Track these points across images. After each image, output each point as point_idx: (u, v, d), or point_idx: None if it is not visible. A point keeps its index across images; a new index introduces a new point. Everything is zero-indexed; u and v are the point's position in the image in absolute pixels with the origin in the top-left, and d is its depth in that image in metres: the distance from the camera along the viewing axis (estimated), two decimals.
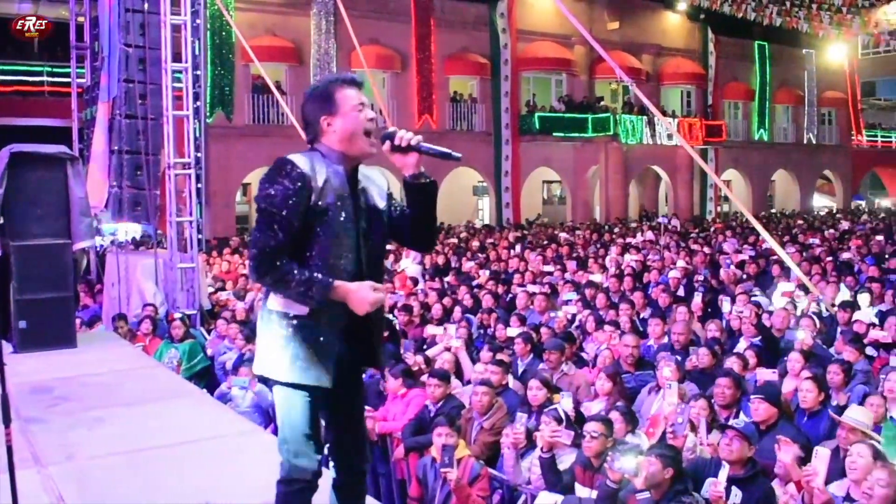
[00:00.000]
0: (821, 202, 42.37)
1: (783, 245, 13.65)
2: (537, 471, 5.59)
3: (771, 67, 38.25)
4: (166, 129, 11.99)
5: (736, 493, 4.76)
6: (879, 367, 7.18)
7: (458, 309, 10.66)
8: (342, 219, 3.07)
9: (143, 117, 11.99)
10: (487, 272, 14.45)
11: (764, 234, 9.27)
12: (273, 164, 3.04)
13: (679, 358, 7.40)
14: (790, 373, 6.91)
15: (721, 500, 4.70)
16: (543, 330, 9.05)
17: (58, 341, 7.88)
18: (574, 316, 10.24)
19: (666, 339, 8.55)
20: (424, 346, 9.13)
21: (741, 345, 8.15)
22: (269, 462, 3.27)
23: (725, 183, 30.73)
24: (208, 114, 21.53)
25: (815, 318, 8.89)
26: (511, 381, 7.27)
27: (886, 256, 14.50)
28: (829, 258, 14.25)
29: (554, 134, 30.20)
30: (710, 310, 10.42)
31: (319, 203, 3.02)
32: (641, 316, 10.05)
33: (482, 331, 10.05)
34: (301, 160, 3.04)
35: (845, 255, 14.93)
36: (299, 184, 2.99)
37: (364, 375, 3.57)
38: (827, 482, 4.52)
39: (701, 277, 12.61)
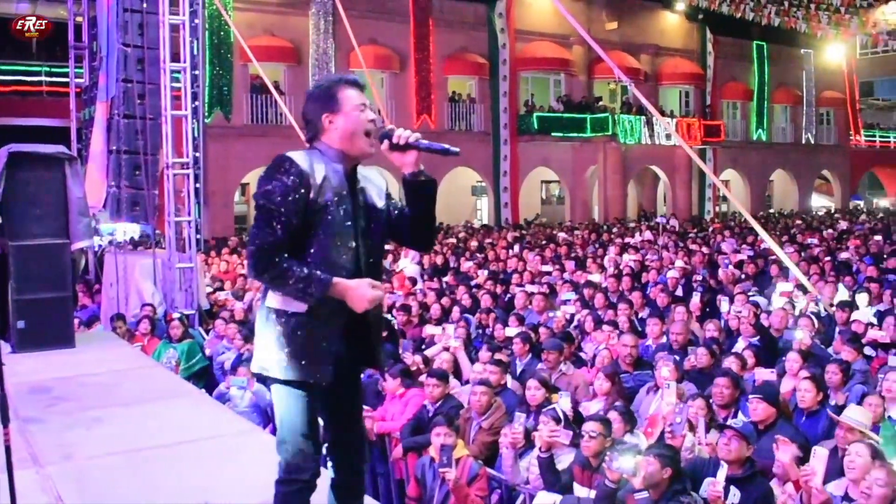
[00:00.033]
0: (819, 202, 42.39)
1: (781, 245, 13.65)
2: (536, 470, 5.59)
3: (769, 67, 38.30)
4: (165, 129, 11.99)
5: (734, 493, 4.76)
6: (878, 367, 7.19)
7: (456, 309, 10.66)
8: (341, 217, 3.08)
9: (142, 117, 11.99)
10: (486, 272, 14.46)
11: (762, 233, 9.27)
12: (272, 162, 3.05)
13: (677, 358, 7.40)
14: (788, 372, 6.92)
15: (719, 499, 4.70)
16: (542, 330, 9.05)
17: (56, 341, 7.88)
18: (572, 316, 10.24)
19: (664, 339, 8.55)
20: (423, 346, 9.14)
21: (739, 344, 8.16)
22: (267, 462, 3.27)
23: (724, 183, 30.79)
24: (207, 114, 21.55)
25: (813, 317, 8.90)
26: (509, 381, 7.27)
27: (885, 256, 14.50)
28: (828, 258, 14.26)
29: (552, 134, 30.21)
30: (708, 310, 10.42)
31: (318, 200, 3.02)
32: (640, 316, 10.05)
33: (481, 331, 10.05)
34: (300, 157, 3.04)
35: (843, 255, 14.94)
36: (298, 180, 2.99)
37: (362, 375, 3.57)
38: (825, 482, 4.53)
39: (699, 277, 12.62)
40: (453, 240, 21.39)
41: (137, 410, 5.98)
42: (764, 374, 6.85)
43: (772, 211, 36.98)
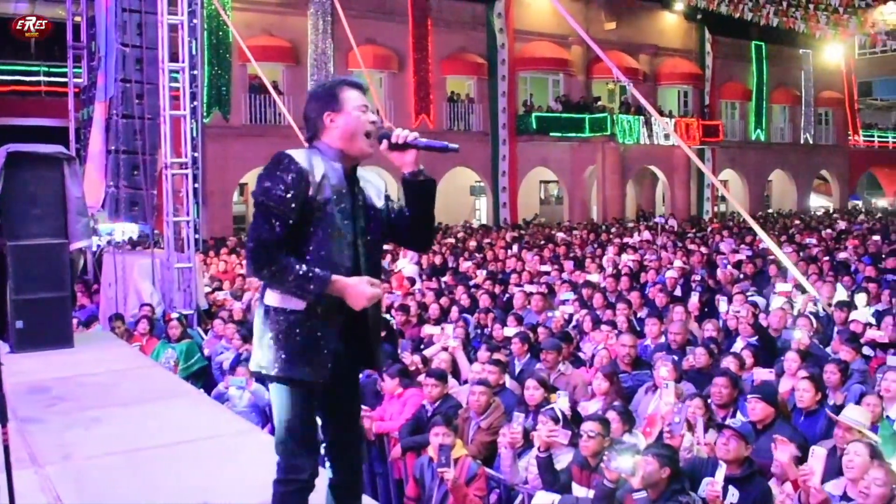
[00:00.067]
0: (817, 202, 42.43)
1: (780, 245, 13.65)
2: (534, 470, 5.59)
3: (768, 67, 38.32)
4: (163, 129, 11.98)
5: (733, 493, 4.76)
6: (876, 367, 7.20)
7: (455, 309, 10.67)
8: (340, 215, 3.08)
9: (140, 117, 11.99)
10: (484, 272, 14.46)
11: (761, 233, 9.29)
12: (271, 159, 3.06)
13: (676, 357, 7.40)
14: (787, 372, 6.92)
15: (718, 499, 4.70)
16: (540, 330, 9.05)
17: (55, 341, 7.88)
18: (571, 316, 10.24)
19: (663, 339, 8.54)
20: (421, 346, 9.13)
21: (738, 344, 8.16)
22: (266, 462, 3.27)
23: (722, 183, 30.83)
24: (205, 113, 21.57)
25: (811, 317, 8.90)
26: (508, 381, 7.27)
27: (883, 256, 14.51)
28: (826, 258, 14.27)
29: (551, 134, 30.21)
30: (706, 309, 10.42)
31: (317, 198, 3.03)
32: (638, 316, 10.05)
33: (479, 331, 10.05)
34: (299, 155, 3.05)
35: (842, 255, 14.94)
36: (297, 178, 2.99)
37: (361, 375, 3.57)
38: (823, 481, 4.53)
39: (698, 277, 12.62)
40: (452, 240, 21.38)
41: (136, 410, 5.98)
42: (762, 374, 6.86)
43: (770, 211, 36.98)
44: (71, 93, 17.37)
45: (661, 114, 31.12)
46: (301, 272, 2.96)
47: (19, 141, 8.26)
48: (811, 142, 40.43)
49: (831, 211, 36.77)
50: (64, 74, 18.63)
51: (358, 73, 21.92)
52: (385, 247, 3.41)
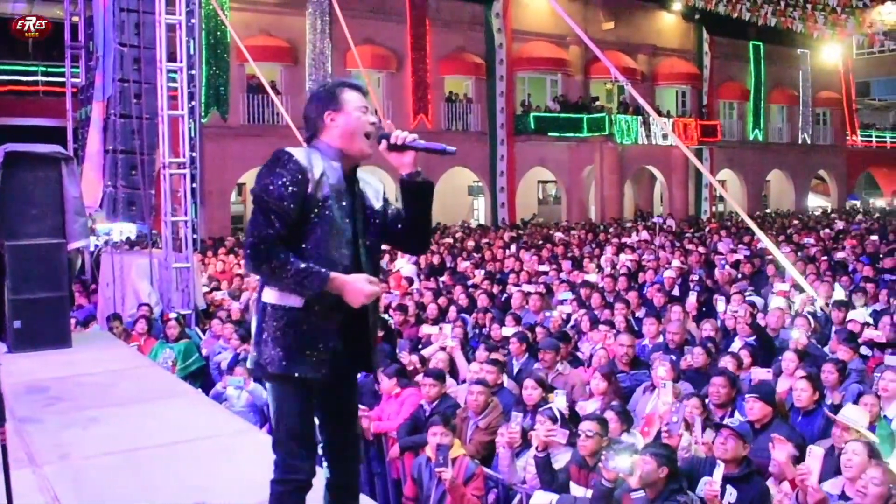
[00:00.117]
0: (815, 202, 42.46)
1: (778, 245, 13.66)
2: (532, 470, 5.60)
3: (766, 67, 38.35)
4: (161, 129, 11.96)
5: (731, 492, 4.77)
6: (874, 367, 7.20)
7: (453, 308, 10.67)
8: (338, 213, 3.09)
9: (138, 117, 11.98)
10: (483, 272, 14.47)
11: (759, 233, 9.29)
12: (271, 156, 3.06)
13: (674, 357, 7.42)
14: (785, 372, 6.92)
15: (716, 498, 4.71)
16: (539, 329, 9.06)
17: (53, 341, 7.87)
18: (569, 315, 10.24)
19: (661, 339, 8.55)
20: (419, 346, 9.13)
21: (736, 344, 8.16)
22: (264, 461, 3.27)
23: (720, 183, 30.85)
24: (203, 113, 21.57)
25: (809, 317, 8.91)
26: (506, 381, 7.27)
27: (881, 256, 14.53)
28: (824, 258, 14.28)
29: (549, 134, 30.21)
30: (704, 309, 10.43)
31: (316, 195, 3.03)
32: (636, 315, 10.06)
33: (477, 330, 10.04)
34: (299, 153, 3.06)
35: (840, 255, 14.96)
36: (296, 175, 3.00)
37: (359, 375, 3.57)
38: (821, 480, 4.54)
39: (696, 277, 12.63)
40: (450, 239, 21.39)
41: (134, 410, 5.98)
42: (760, 374, 6.86)
43: (768, 211, 37.02)
44: (69, 92, 17.35)
45: (660, 114, 31.14)
46: (299, 269, 2.96)
47: (17, 141, 8.27)
48: (809, 142, 40.45)
49: (829, 211, 36.79)
50: (62, 74, 18.61)
51: (356, 73, 21.94)
52: (383, 247, 3.41)
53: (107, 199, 12.47)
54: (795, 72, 39.90)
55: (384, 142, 3.16)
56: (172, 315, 10.09)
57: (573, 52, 31.75)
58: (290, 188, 2.98)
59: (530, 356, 8.04)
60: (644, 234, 20.94)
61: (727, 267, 13.53)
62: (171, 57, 12.17)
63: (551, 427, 5.52)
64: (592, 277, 12.91)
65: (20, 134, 15.03)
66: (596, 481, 5.00)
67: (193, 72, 13.56)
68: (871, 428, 5.28)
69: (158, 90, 11.94)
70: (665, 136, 30.46)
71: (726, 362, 6.94)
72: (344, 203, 3.11)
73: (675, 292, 11.66)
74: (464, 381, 7.52)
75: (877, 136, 45.71)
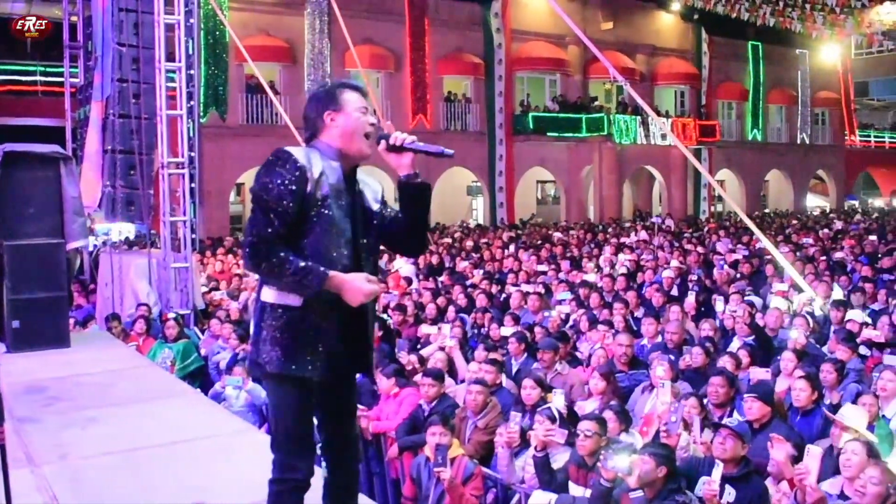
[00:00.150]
0: (814, 202, 42.49)
1: (777, 245, 13.67)
2: (531, 470, 5.60)
3: (764, 67, 38.36)
4: (160, 129, 11.96)
5: (729, 492, 4.77)
6: (872, 366, 7.20)
7: (452, 308, 10.67)
8: (338, 212, 3.09)
9: (137, 117, 11.98)
10: (481, 272, 14.47)
11: (758, 233, 9.30)
12: (270, 155, 3.06)
13: (672, 357, 7.42)
14: (783, 372, 6.93)
15: (714, 498, 4.71)
16: (537, 329, 9.06)
17: (51, 341, 7.86)
18: (568, 315, 10.24)
19: (659, 339, 8.55)
20: (418, 346, 9.14)
21: (734, 344, 8.16)
22: (262, 461, 3.27)
23: (719, 183, 30.86)
24: (202, 113, 21.54)
25: (808, 317, 8.91)
26: (505, 381, 7.28)
27: (879, 256, 14.54)
28: (823, 258, 14.28)
29: (548, 134, 30.20)
30: (703, 309, 10.44)
31: (315, 194, 3.03)
32: (635, 315, 10.07)
33: (476, 330, 10.04)
34: (298, 152, 3.06)
35: (838, 255, 14.97)
36: (296, 173, 3.00)
37: (358, 374, 3.57)
38: (820, 480, 4.54)
39: (694, 277, 12.63)
40: (448, 239, 21.39)
41: (133, 410, 5.98)
42: (759, 374, 6.87)
43: (767, 211, 37.04)
44: (67, 92, 17.37)
45: (658, 114, 31.14)
46: (299, 267, 2.96)
47: (16, 140, 8.27)
48: (808, 142, 40.45)
49: (828, 211, 36.80)
50: (60, 74, 18.63)
51: (355, 73, 21.94)
52: (381, 246, 3.41)
53: (105, 198, 12.47)
54: (794, 72, 39.91)
55: (383, 143, 3.17)
56: (171, 315, 10.09)
57: (572, 52, 31.74)
58: (290, 187, 2.98)
59: (529, 356, 8.05)
60: (643, 234, 20.95)
61: (726, 267, 13.54)
62: (170, 57, 12.17)
63: (550, 427, 5.53)
64: (591, 277, 12.92)
65: (19, 134, 15.06)
66: (595, 481, 5.00)
67: (192, 72, 13.53)
68: (870, 427, 5.29)
69: (157, 90, 11.95)
70: (664, 136, 30.47)
71: (725, 362, 6.94)
72: (343, 202, 3.12)
73: (674, 292, 11.66)
74: (462, 381, 7.53)
75: (875, 136, 45.76)
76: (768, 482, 5.00)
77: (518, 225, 28.11)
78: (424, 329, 9.56)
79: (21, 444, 5.00)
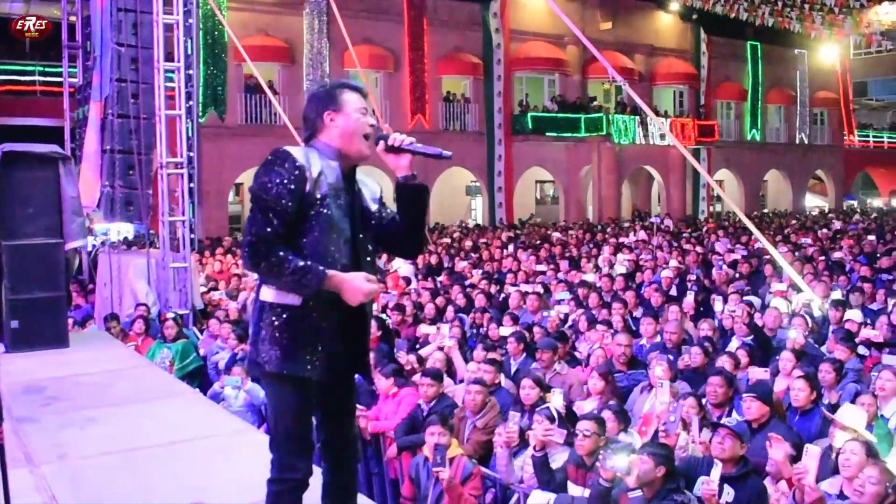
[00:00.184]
0: (813, 202, 42.49)
1: (775, 245, 13.68)
2: (530, 469, 5.60)
3: (763, 67, 38.38)
4: (158, 129, 11.94)
5: (728, 492, 4.77)
6: (871, 366, 7.21)
7: (450, 308, 10.67)
8: (337, 211, 3.09)
9: (136, 117, 11.97)
10: (480, 272, 14.47)
11: (757, 233, 9.30)
12: (269, 155, 3.06)
13: (671, 357, 7.42)
14: (782, 371, 6.93)
15: (713, 498, 4.71)
16: (536, 329, 9.06)
17: (50, 341, 7.86)
18: (567, 315, 10.25)
19: (658, 339, 8.56)
20: (417, 346, 9.14)
21: (733, 344, 8.17)
22: (261, 461, 3.27)
23: (718, 183, 30.85)
24: (201, 113, 21.49)
25: (806, 317, 8.92)
26: (504, 381, 7.28)
27: (878, 256, 14.55)
28: (822, 258, 14.29)
29: (547, 134, 30.22)
30: (702, 309, 10.45)
31: (314, 193, 3.04)
32: (634, 315, 10.07)
33: (475, 330, 10.05)
34: (297, 151, 3.07)
35: (837, 255, 14.98)
36: (295, 173, 3.00)
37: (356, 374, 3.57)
38: (818, 480, 4.54)
39: (693, 277, 12.65)
40: (448, 239, 21.39)
41: (132, 410, 5.97)
42: (758, 373, 6.86)
43: (766, 211, 37.05)
44: (66, 92, 17.35)
45: (657, 114, 31.15)
46: (298, 266, 2.96)
47: (14, 140, 8.27)
48: (806, 142, 40.47)
49: (826, 211, 36.82)
50: (59, 74, 18.61)
51: (354, 73, 21.92)
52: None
53: (104, 198, 12.46)
54: (793, 72, 39.94)
55: (381, 143, 3.17)
56: (170, 315, 10.08)
57: (571, 52, 31.75)
58: (289, 186, 2.98)
59: (528, 356, 8.05)
60: (641, 234, 20.97)
61: (725, 267, 13.55)
62: (169, 57, 12.16)
63: (549, 427, 5.53)
64: (590, 277, 12.92)
65: (18, 133, 15.07)
66: (593, 481, 5.00)
67: (191, 71, 13.48)
68: (869, 427, 5.29)
69: (156, 90, 11.94)
70: (663, 136, 30.48)
71: (724, 362, 6.95)
72: (342, 202, 3.12)
73: (673, 292, 11.67)
74: (461, 381, 7.53)
75: (874, 136, 45.80)
76: (767, 482, 5.01)
77: (517, 225, 28.11)
78: (423, 329, 9.56)
79: (20, 443, 5.00)
